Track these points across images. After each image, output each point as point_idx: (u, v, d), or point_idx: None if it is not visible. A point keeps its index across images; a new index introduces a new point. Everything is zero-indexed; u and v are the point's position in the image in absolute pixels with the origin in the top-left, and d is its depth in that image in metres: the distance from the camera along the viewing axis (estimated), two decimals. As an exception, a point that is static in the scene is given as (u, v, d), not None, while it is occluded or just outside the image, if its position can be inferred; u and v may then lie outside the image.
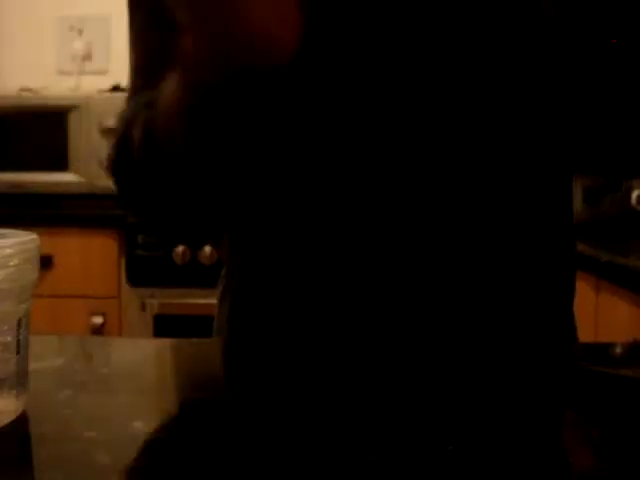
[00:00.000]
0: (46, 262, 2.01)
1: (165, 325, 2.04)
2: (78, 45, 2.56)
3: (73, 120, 2.13)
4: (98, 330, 2.05)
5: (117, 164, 0.61)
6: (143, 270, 2.02)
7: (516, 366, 0.57)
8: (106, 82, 2.43)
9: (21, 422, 0.42)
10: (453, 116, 0.61)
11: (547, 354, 0.64)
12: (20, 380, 0.43)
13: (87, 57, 2.57)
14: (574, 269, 0.71)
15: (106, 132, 2.10)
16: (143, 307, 2.04)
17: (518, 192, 0.64)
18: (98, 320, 2.05)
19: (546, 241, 0.67)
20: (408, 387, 0.50)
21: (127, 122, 0.59)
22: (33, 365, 0.45)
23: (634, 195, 1.72)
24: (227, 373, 0.55)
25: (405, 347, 0.63)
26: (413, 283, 0.62)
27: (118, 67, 2.51)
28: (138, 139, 0.57)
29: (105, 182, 2.30)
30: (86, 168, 2.13)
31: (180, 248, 1.99)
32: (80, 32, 2.56)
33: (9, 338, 0.41)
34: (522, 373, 0.55)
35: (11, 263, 0.41)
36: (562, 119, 0.64)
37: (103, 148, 2.12)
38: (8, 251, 0.41)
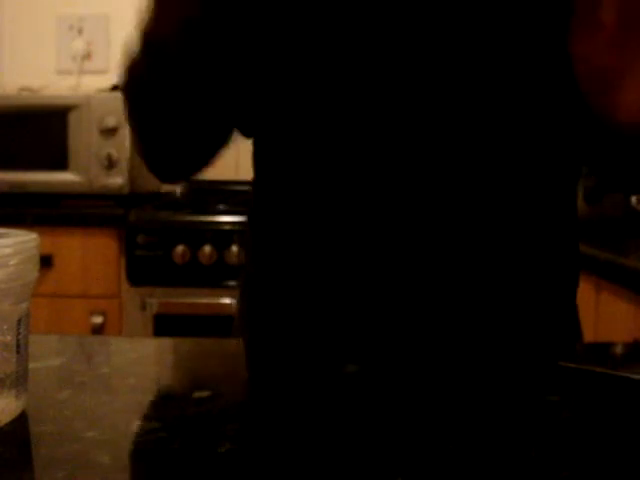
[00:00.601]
0: (46, 261, 2.01)
1: (165, 324, 2.04)
2: (78, 44, 2.56)
3: (73, 119, 2.13)
4: (98, 329, 2.05)
5: (127, 85, 0.70)
6: (143, 270, 2.02)
7: (519, 361, 0.57)
8: (106, 81, 2.43)
9: (21, 422, 0.42)
10: (457, 113, 0.61)
11: (551, 349, 0.64)
12: (20, 379, 0.42)
13: (87, 56, 2.57)
14: (577, 263, 0.71)
15: (105, 132, 2.10)
16: (143, 307, 2.03)
17: (522, 186, 0.64)
18: (98, 319, 2.05)
19: (550, 234, 0.67)
20: (410, 383, 0.50)
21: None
22: (33, 364, 0.45)
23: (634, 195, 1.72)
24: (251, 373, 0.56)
25: (408, 341, 0.63)
26: (418, 281, 0.62)
27: (118, 66, 2.51)
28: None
29: (105, 181, 2.30)
30: (86, 168, 2.13)
31: (180, 248, 1.99)
32: (80, 31, 2.55)
33: (9, 337, 0.41)
34: (525, 368, 0.55)
35: (11, 262, 0.41)
36: (567, 116, 0.64)
37: (103, 147, 2.12)
38: (8, 250, 0.41)
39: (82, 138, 2.12)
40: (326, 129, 0.63)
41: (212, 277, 1.99)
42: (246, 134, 0.72)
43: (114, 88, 2.36)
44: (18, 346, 0.42)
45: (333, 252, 0.64)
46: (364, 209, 0.62)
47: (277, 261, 0.68)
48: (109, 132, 2.10)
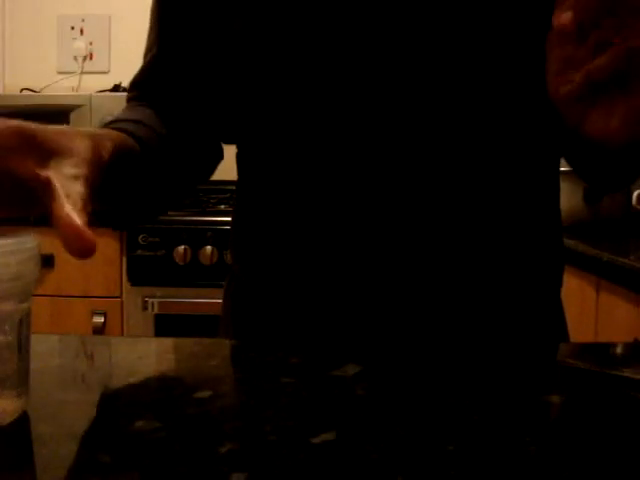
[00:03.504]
0: (47, 261, 2.01)
1: (166, 324, 2.04)
2: (79, 45, 2.56)
3: (75, 120, 2.13)
4: (99, 329, 2.05)
5: None
6: (144, 270, 2.02)
7: (505, 360, 0.57)
8: (107, 82, 2.43)
9: (21, 422, 0.42)
10: (441, 112, 0.61)
11: (536, 345, 0.64)
12: (21, 380, 0.43)
13: (88, 57, 2.57)
14: (562, 259, 0.71)
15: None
16: (144, 306, 2.04)
17: (505, 184, 0.64)
18: (99, 319, 2.05)
19: (533, 230, 0.67)
20: (406, 383, 0.50)
21: None
22: (34, 364, 0.46)
23: (634, 195, 1.72)
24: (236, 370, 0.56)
25: (394, 342, 0.63)
26: (400, 282, 0.63)
27: (119, 67, 2.51)
28: None
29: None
30: (87, 168, 2.13)
31: (181, 248, 1.99)
32: (81, 32, 2.56)
33: (10, 337, 0.41)
34: (511, 366, 0.55)
35: (12, 262, 0.41)
36: (553, 117, 0.64)
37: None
38: (9, 250, 0.41)
39: (83, 138, 2.12)
40: (311, 130, 0.63)
41: (213, 277, 2.00)
42: (227, 141, 0.72)
43: (115, 88, 2.36)
44: (19, 346, 0.42)
45: (319, 253, 0.64)
46: (349, 208, 0.63)
47: (263, 262, 0.68)
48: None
